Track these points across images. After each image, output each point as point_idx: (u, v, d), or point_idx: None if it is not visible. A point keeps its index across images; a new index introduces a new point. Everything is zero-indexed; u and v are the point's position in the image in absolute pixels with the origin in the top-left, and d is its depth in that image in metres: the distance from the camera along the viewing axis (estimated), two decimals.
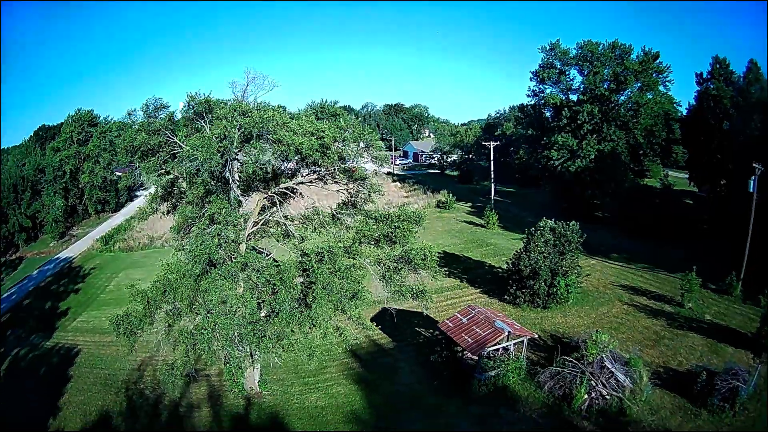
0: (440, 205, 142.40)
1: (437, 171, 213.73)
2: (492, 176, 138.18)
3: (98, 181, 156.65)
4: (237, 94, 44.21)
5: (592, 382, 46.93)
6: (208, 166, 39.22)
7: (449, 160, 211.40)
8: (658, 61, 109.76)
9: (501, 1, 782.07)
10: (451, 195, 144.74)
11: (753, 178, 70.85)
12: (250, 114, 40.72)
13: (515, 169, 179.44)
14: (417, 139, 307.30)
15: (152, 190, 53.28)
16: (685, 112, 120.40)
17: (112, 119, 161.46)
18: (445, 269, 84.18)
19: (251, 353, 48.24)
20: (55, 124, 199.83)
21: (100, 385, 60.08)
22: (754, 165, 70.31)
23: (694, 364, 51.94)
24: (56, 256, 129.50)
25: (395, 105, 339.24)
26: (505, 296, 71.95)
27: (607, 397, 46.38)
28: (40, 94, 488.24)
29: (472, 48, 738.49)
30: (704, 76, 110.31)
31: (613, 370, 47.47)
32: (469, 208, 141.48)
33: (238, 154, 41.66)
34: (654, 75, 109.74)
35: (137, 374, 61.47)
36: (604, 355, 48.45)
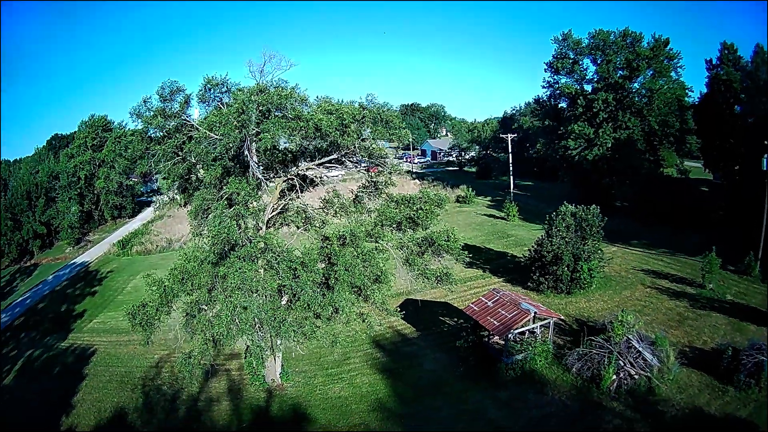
0: (460, 199, 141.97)
1: (455, 168, 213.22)
2: (510, 168, 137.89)
3: (114, 186, 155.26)
4: (254, 72, 43.03)
5: (620, 362, 45.78)
6: (226, 142, 38.48)
7: (467, 156, 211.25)
8: (668, 47, 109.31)
9: (512, 1, 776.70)
10: (470, 189, 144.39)
11: (766, 156, 70.34)
12: (267, 92, 40.04)
13: (533, 162, 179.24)
14: (434, 138, 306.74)
15: (173, 191, 52.05)
16: (697, 100, 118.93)
17: (126, 125, 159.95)
18: (467, 260, 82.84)
19: (272, 341, 46.70)
20: (68, 134, 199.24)
21: (116, 383, 58.72)
22: (766, 143, 69.51)
23: (718, 342, 51.13)
24: (72, 261, 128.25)
25: (411, 105, 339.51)
26: (528, 283, 70.84)
27: (636, 376, 45.26)
28: (52, 103, 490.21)
29: (485, 48, 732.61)
30: (714, 62, 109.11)
31: (640, 349, 46.45)
32: (489, 202, 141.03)
33: (257, 134, 40.39)
34: (665, 61, 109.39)
35: (155, 371, 60.18)
36: (630, 336, 47.48)
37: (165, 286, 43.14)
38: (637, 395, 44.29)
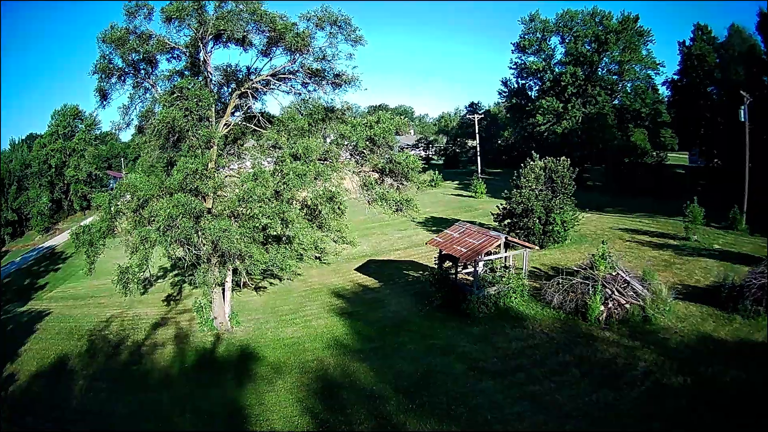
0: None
1: (423, 161, 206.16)
2: (478, 150, 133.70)
3: (83, 175, 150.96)
4: None
5: (607, 291, 39.58)
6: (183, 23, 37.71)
7: (434, 149, 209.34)
8: (638, 24, 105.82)
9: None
10: (437, 173, 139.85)
11: (743, 107, 67.08)
12: None
13: (502, 151, 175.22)
14: (401, 135, 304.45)
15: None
16: (670, 77, 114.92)
17: (97, 114, 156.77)
18: (434, 228, 79.45)
19: (216, 265, 41.75)
20: (43, 133, 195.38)
21: (64, 335, 53.82)
22: (741, 93, 66.98)
23: (713, 280, 44.89)
24: (40, 246, 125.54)
25: (379, 105, 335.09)
26: None
27: (627, 306, 38.94)
28: (28, 101, 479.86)
29: (457, 38, 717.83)
30: (687, 43, 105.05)
31: (628, 279, 40.38)
32: (457, 185, 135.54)
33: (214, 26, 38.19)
34: (635, 37, 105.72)
35: (104, 324, 54.99)
36: (615, 269, 41.67)
37: (111, 201, 40.19)
38: (632, 325, 38.37)
